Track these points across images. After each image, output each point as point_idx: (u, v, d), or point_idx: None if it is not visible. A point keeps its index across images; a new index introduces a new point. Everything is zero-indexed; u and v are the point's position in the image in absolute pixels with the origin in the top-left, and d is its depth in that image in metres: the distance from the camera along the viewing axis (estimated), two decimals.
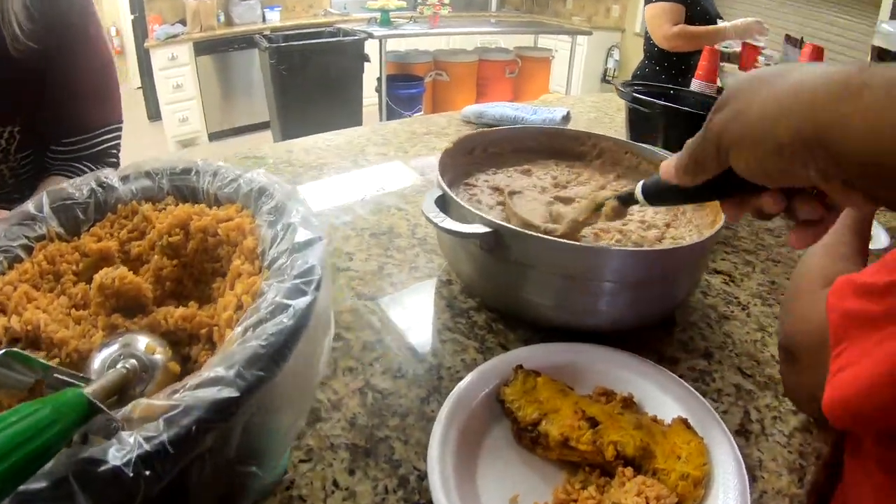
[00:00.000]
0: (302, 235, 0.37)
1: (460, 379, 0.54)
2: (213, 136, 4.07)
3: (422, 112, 3.62)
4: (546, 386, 0.52)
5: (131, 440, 0.24)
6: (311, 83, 2.95)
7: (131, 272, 0.42)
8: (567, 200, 0.74)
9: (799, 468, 0.52)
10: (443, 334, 0.65)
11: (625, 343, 0.63)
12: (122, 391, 0.32)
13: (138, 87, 4.35)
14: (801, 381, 0.49)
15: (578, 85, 4.29)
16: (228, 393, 0.26)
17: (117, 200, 0.46)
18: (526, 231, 0.54)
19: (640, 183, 0.48)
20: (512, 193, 0.69)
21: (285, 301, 0.32)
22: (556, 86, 4.37)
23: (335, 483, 0.47)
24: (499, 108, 1.27)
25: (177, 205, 0.46)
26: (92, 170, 0.88)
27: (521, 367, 0.54)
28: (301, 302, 0.32)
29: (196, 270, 0.44)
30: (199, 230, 0.43)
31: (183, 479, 0.26)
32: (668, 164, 0.41)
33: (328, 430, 0.52)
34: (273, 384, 0.29)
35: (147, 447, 0.24)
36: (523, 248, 0.56)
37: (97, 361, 0.34)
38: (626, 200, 0.52)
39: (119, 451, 0.24)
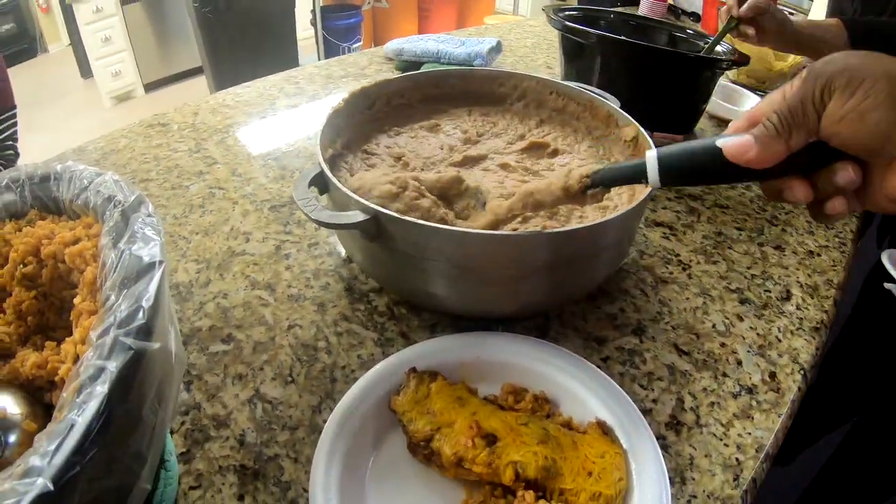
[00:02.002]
0: (135, 263, 0.33)
1: (356, 380, 0.47)
2: (150, 87, 3.79)
3: (360, 43, 3.36)
4: (441, 394, 0.44)
5: None
6: (239, 24, 2.68)
7: None
8: (477, 160, 0.64)
9: (735, 464, 0.46)
10: (339, 325, 0.56)
11: (544, 321, 0.56)
12: None
13: (68, 45, 4.01)
14: None
15: (528, 3, 4.01)
16: (43, 487, 0.24)
17: None
18: (405, 218, 0.44)
19: (653, 156, 0.38)
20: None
21: (99, 363, 0.28)
22: (505, 4, 4.08)
23: None
24: (420, 43, 1.13)
25: (42, 218, 0.43)
26: None
27: (414, 370, 0.46)
28: (118, 363, 0.28)
29: (56, 300, 0.41)
30: (49, 256, 0.39)
31: None
32: (742, 142, 0.34)
33: (217, 451, 0.45)
34: (95, 463, 0.26)
35: None
36: (407, 237, 0.46)
37: None
38: (615, 181, 0.43)
39: None
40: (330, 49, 3.24)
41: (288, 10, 2.98)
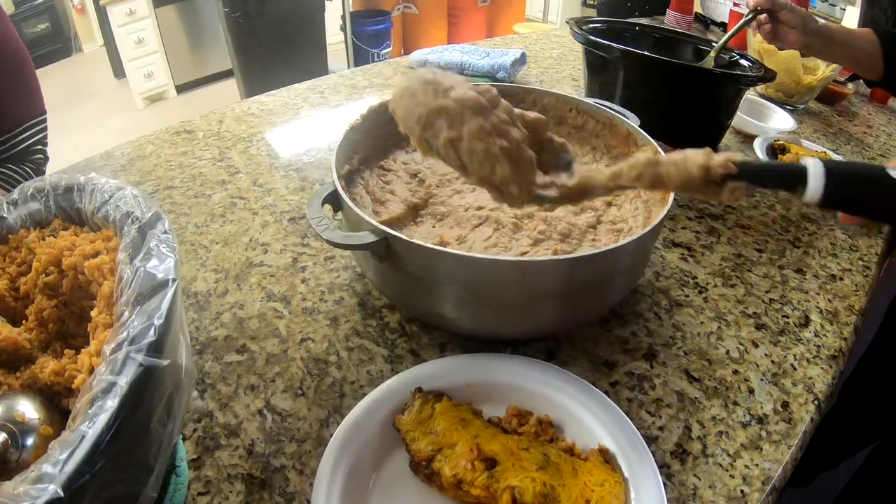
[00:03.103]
0: (149, 280, 0.34)
1: (364, 395, 0.47)
2: (182, 89, 3.88)
3: (390, 49, 3.39)
4: (445, 414, 0.44)
5: None
6: (269, 28, 2.73)
7: (7, 324, 0.41)
8: None
9: (740, 496, 0.45)
10: (351, 340, 0.57)
11: (554, 343, 0.56)
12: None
13: (102, 46, 4.14)
14: None
15: (558, 11, 3.98)
16: (53, 493, 0.25)
17: (8, 230, 0.45)
18: (414, 241, 0.45)
19: (819, 166, 0.33)
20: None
21: (110, 378, 0.29)
22: (535, 12, 4.06)
23: None
24: (444, 54, 1.13)
25: (65, 228, 0.44)
26: (18, 172, 0.83)
27: (420, 389, 0.46)
28: (128, 378, 0.29)
29: (76, 308, 0.42)
30: (70, 267, 0.41)
31: None
32: None
33: (226, 459, 0.47)
34: (104, 472, 0.27)
35: None
36: (416, 260, 0.46)
37: None
38: (765, 181, 0.37)
39: None
40: (359, 55, 3.27)
41: (317, 15, 3.02)
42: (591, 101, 0.71)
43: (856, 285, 0.68)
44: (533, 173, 0.43)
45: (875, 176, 0.33)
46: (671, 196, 0.53)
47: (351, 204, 0.49)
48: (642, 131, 0.63)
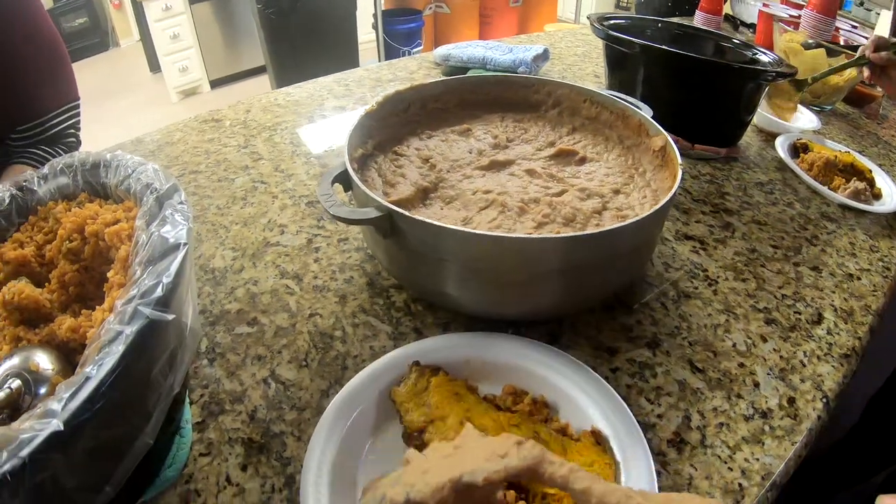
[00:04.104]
0: (162, 244, 0.36)
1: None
2: (215, 84, 3.97)
3: (421, 48, 3.41)
4: (439, 388, 0.45)
5: None
6: (302, 26, 2.78)
7: (30, 284, 0.43)
8: (504, 164, 0.65)
9: (737, 489, 0.44)
10: (357, 317, 0.59)
11: (557, 328, 0.56)
12: (13, 407, 0.34)
13: (139, 41, 4.26)
14: None
15: (590, 12, 3.95)
16: (56, 427, 0.27)
17: (37, 202, 0.48)
18: (415, 217, 0.46)
19: None
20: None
21: (118, 327, 0.31)
22: (567, 13, 4.04)
23: (228, 479, 0.45)
24: (468, 49, 1.14)
25: (91, 200, 0.47)
26: (51, 153, 0.87)
27: (417, 363, 0.47)
28: (134, 327, 0.31)
29: (96, 273, 0.44)
30: (92, 235, 0.43)
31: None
32: None
33: (229, 423, 0.49)
34: (105, 412, 0.29)
35: None
36: (418, 235, 0.47)
37: None
38: None
39: None
40: (391, 53, 3.29)
41: (350, 13, 3.06)
42: (604, 92, 0.71)
43: (874, 285, 0.66)
44: None
45: None
46: (677, 183, 0.53)
47: (358, 181, 0.51)
48: (654, 122, 0.63)
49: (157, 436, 0.35)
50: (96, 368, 0.29)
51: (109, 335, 0.31)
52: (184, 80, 3.79)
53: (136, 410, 0.33)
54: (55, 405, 0.28)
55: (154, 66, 4.02)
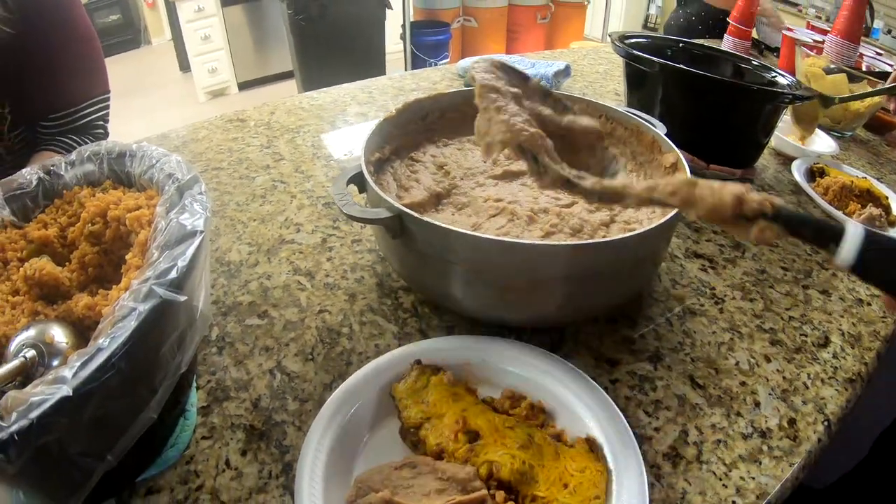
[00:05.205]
0: (179, 230, 0.38)
1: None
2: (243, 86, 4.05)
3: (448, 60, 3.45)
4: (438, 387, 0.46)
5: None
6: (331, 33, 2.84)
7: (51, 262, 0.45)
8: (517, 175, 0.66)
9: None
10: (365, 315, 0.60)
11: (559, 337, 0.57)
12: (26, 376, 0.36)
13: (170, 40, 4.37)
14: None
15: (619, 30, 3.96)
16: (65, 392, 0.28)
17: (63, 186, 0.50)
18: (424, 218, 0.47)
19: (859, 233, 0.33)
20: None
21: (132, 304, 0.33)
22: (595, 32, 4.06)
23: (227, 462, 0.46)
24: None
25: (115, 188, 0.49)
26: (78, 142, 0.91)
27: (419, 362, 0.48)
28: (147, 305, 0.33)
29: (115, 256, 0.46)
30: (114, 219, 0.45)
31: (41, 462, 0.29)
32: None
33: (233, 409, 0.50)
34: (112, 383, 0.30)
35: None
36: (427, 238, 0.49)
37: (13, 345, 0.38)
38: (798, 229, 0.36)
39: None
40: (418, 64, 3.34)
41: (378, 22, 3.10)
42: (620, 108, 0.72)
43: (884, 312, 0.66)
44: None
45: None
46: None
47: (372, 182, 0.52)
48: (666, 139, 0.64)
49: (161, 414, 0.36)
50: (108, 340, 0.31)
51: (123, 311, 0.33)
52: (212, 80, 3.87)
53: (144, 385, 0.35)
54: (66, 372, 0.29)
55: (184, 65, 4.11)
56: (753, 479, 0.47)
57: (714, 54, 0.98)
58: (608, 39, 0.96)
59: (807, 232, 0.36)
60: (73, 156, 0.51)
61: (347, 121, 1.10)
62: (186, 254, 0.37)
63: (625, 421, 0.46)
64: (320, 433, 0.43)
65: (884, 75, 1.09)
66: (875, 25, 2.01)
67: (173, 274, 0.35)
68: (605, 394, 0.48)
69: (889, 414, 1.03)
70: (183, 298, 0.35)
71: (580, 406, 0.47)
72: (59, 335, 0.39)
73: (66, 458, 0.31)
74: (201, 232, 0.39)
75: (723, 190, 0.38)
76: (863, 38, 1.24)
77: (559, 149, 0.45)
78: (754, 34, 1.43)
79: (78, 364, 0.30)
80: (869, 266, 0.33)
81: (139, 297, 0.33)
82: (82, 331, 0.41)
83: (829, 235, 0.34)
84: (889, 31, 1.77)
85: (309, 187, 0.85)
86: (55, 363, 0.37)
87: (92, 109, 0.93)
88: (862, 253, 0.33)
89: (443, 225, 0.46)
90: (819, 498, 1.08)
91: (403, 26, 3.20)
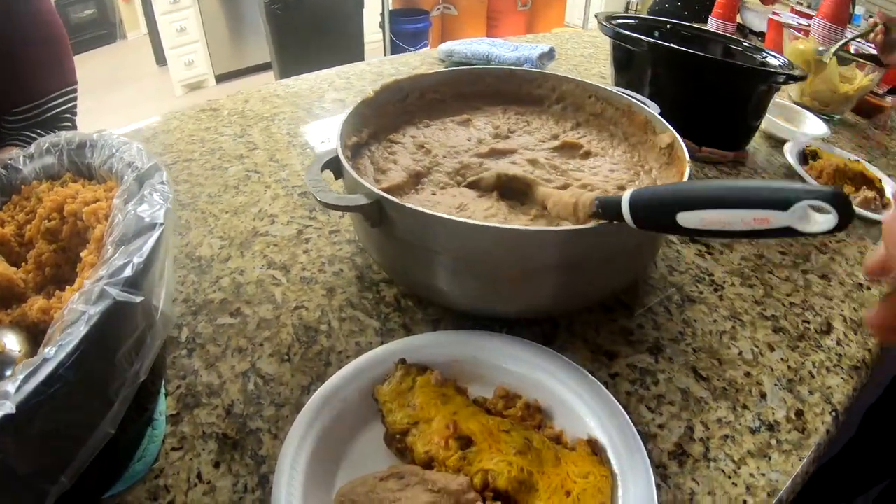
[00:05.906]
0: (136, 223, 0.35)
1: None
2: (220, 79, 3.95)
3: (427, 48, 3.39)
4: (425, 388, 0.42)
5: None
6: (307, 21, 2.77)
7: (4, 262, 0.42)
8: (504, 153, 0.62)
9: None
10: (344, 311, 0.56)
11: (552, 328, 0.53)
12: None
13: (146, 34, 4.25)
14: None
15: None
16: (8, 409, 0.25)
17: (22, 181, 0.47)
18: (405, 204, 0.43)
19: (627, 195, 0.39)
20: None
21: (82, 307, 0.30)
22: (575, 18, 4.02)
23: (199, 476, 0.42)
24: (472, 45, 1.12)
25: (75, 181, 0.46)
26: (44, 136, 0.85)
27: (403, 361, 0.45)
28: (99, 308, 0.29)
29: (73, 254, 0.43)
30: (70, 214, 0.42)
31: None
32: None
33: (204, 417, 0.46)
34: (61, 396, 0.27)
35: None
36: (407, 224, 0.45)
37: None
38: (607, 211, 0.42)
39: None
40: (397, 52, 3.28)
41: (356, 11, 3.05)
42: (610, 88, 0.68)
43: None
44: None
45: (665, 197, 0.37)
46: (684, 180, 0.50)
47: (348, 167, 0.48)
48: (661, 119, 0.60)
49: (125, 425, 0.32)
50: (55, 349, 0.28)
51: (73, 316, 0.29)
52: (189, 73, 3.77)
53: (98, 396, 0.31)
54: (9, 387, 0.26)
55: (160, 59, 4.00)
56: (763, 475, 0.44)
57: (704, 35, 0.96)
58: (593, 21, 0.93)
59: (611, 213, 0.41)
60: (32, 148, 0.48)
61: (325, 107, 1.05)
62: (143, 249, 0.33)
63: (628, 419, 0.42)
64: (297, 442, 0.39)
65: (873, 57, 1.07)
66: (857, 11, 2.01)
67: (127, 272, 0.31)
68: (605, 390, 0.44)
69: (874, 390, 1.02)
70: (139, 299, 0.31)
71: (579, 404, 0.44)
72: (12, 342, 0.36)
73: (14, 480, 0.27)
74: (161, 224, 0.35)
75: (563, 197, 0.47)
76: None
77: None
78: (738, 19, 1.41)
79: (21, 377, 0.26)
80: (638, 217, 0.38)
81: (91, 299, 0.30)
82: (38, 335, 0.37)
83: (617, 207, 0.39)
84: (870, 17, 1.76)
85: (284, 176, 0.80)
86: (7, 373, 0.34)
87: (57, 102, 0.88)
88: (633, 211, 0.38)
89: (426, 211, 0.42)
90: (810, 479, 1.07)
91: (382, 14, 3.14)
